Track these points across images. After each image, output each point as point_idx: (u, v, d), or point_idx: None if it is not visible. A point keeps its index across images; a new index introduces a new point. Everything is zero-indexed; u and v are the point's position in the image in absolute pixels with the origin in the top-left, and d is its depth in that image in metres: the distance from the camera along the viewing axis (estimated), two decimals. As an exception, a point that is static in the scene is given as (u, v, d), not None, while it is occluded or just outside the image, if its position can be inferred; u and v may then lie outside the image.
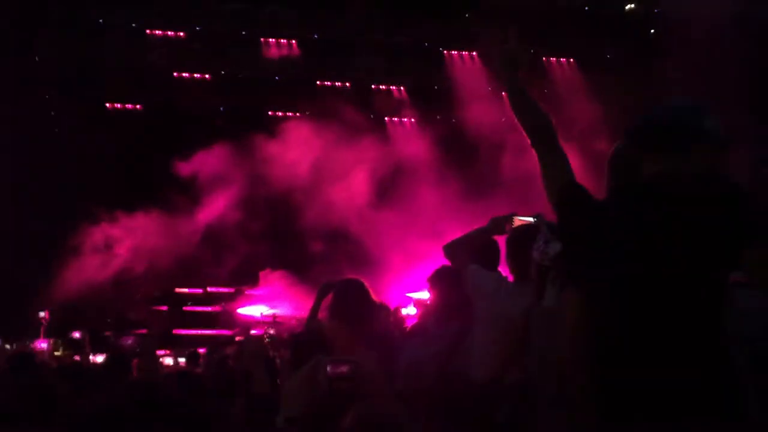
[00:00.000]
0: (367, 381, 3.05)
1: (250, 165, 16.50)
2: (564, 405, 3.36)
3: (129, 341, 13.66)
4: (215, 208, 16.87)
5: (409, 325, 7.12)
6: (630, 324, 2.32)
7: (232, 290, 18.62)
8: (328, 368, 3.01)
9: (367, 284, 5.74)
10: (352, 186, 16.43)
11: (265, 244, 17.35)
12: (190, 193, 16.85)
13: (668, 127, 2.61)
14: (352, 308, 5.41)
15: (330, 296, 5.73)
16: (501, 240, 5.00)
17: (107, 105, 18.19)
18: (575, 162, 3.13)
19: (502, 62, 3.26)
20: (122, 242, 16.52)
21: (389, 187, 16.40)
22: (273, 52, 18.56)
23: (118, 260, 16.38)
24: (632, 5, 18.85)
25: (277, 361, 9.05)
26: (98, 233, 16.39)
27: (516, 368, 4.33)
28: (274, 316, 17.13)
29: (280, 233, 17.37)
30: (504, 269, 4.94)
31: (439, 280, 5.15)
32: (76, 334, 13.48)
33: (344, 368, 3.02)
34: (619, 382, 2.32)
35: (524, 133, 3.19)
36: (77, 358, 12.31)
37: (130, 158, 16.61)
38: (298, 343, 4.61)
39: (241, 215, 16.90)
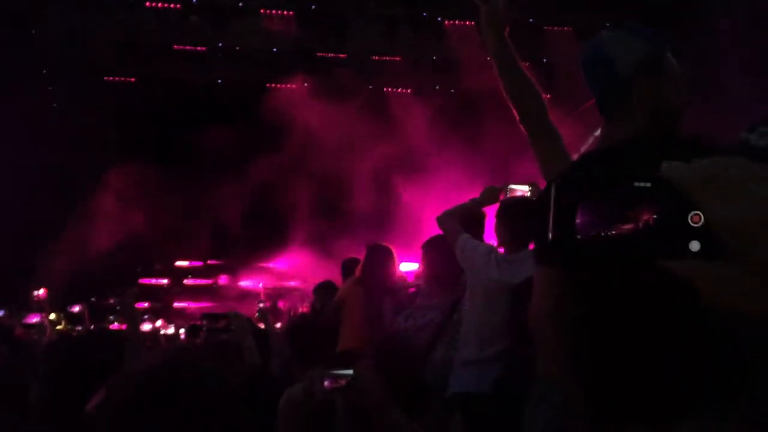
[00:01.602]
0: (366, 393, 3.05)
1: (253, 137, 16.51)
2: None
3: (111, 301, 13.85)
4: (223, 181, 16.90)
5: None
6: (635, 317, 2.23)
7: (231, 263, 18.73)
8: (326, 383, 3.01)
9: (391, 250, 5.92)
10: (361, 158, 16.46)
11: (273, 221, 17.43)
12: (196, 165, 16.86)
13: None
14: (373, 272, 5.59)
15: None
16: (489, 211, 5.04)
17: (105, 78, 18.14)
18: (572, 134, 3.11)
19: (486, 22, 3.22)
20: (123, 215, 16.52)
21: (393, 158, 16.40)
22: (271, 24, 18.47)
23: (119, 232, 16.39)
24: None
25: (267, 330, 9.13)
26: (98, 204, 16.40)
27: (507, 337, 4.36)
28: (273, 288, 17.25)
29: (291, 207, 17.44)
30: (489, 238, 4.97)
31: (431, 250, 5.18)
32: (76, 308, 13.57)
33: (342, 382, 3.02)
34: (616, 381, 2.26)
35: (511, 107, 3.15)
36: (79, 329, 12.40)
37: (129, 130, 16.58)
38: (297, 335, 4.63)
39: (250, 189, 16.93)
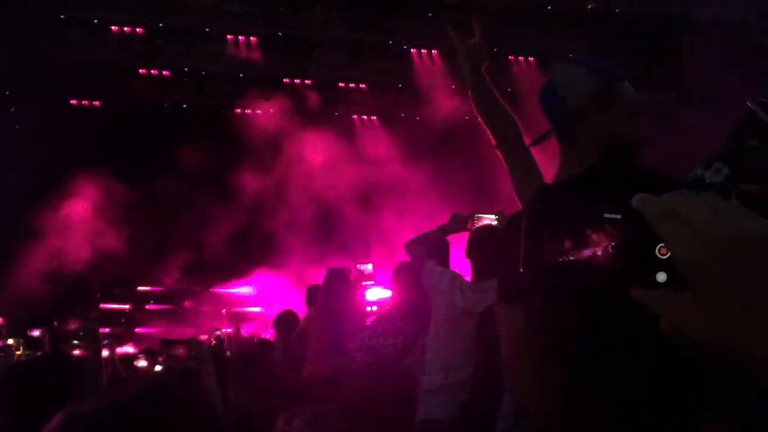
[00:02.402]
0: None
1: (218, 161, 16.47)
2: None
3: (73, 326, 13.59)
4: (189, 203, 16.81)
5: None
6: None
7: (195, 288, 18.57)
8: None
9: (349, 273, 5.91)
10: (321, 181, 16.48)
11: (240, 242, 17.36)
12: (159, 189, 16.76)
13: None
14: (333, 297, 5.58)
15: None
16: (453, 238, 5.08)
17: (70, 101, 18.01)
18: (538, 161, 3.15)
19: (465, 57, 3.27)
20: (85, 238, 16.34)
21: (357, 185, 16.45)
22: (236, 49, 18.48)
23: (80, 255, 16.21)
24: (593, 4, 19.03)
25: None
26: (59, 227, 16.21)
27: (472, 364, 4.39)
28: (236, 314, 17.12)
29: (255, 231, 17.38)
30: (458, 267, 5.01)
31: (398, 276, 5.21)
32: (36, 332, 13.30)
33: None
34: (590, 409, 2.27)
35: (488, 133, 3.20)
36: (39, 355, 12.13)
37: (93, 154, 16.44)
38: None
39: (213, 212, 16.86)
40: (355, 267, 6.35)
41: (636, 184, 2.31)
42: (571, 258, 1.01)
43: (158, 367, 10.36)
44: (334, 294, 5.95)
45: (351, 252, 15.27)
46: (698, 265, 0.92)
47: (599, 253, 0.99)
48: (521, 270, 1.11)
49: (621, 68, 2.55)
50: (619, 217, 1.01)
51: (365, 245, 16.20)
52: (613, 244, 1.01)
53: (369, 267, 6.28)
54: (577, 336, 2.26)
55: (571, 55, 2.79)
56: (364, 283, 6.06)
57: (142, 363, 11.06)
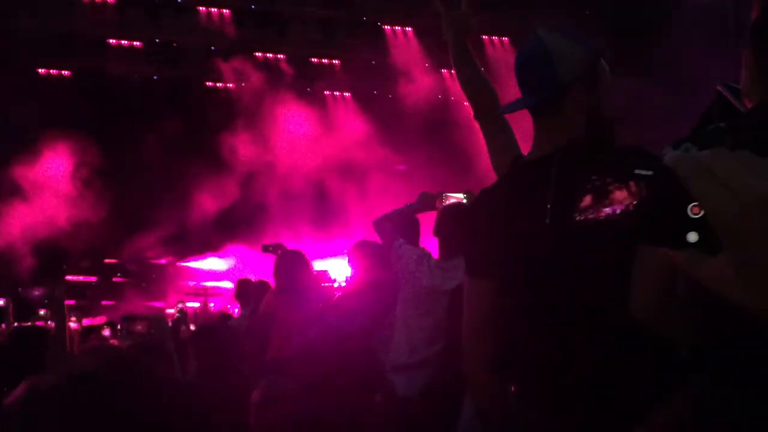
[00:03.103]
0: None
1: (188, 135, 16.34)
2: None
3: (37, 292, 13.42)
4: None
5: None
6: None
7: (161, 262, 18.47)
8: None
9: (305, 255, 5.86)
10: (299, 159, 16.42)
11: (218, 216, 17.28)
12: (130, 160, 16.62)
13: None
14: (293, 279, 5.53)
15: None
16: (423, 217, 5.07)
17: (38, 70, 17.76)
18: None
19: (450, 27, 3.23)
20: (53, 208, 16.16)
21: (328, 161, 16.40)
22: (208, 22, 18.31)
23: (48, 225, 16.04)
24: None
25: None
26: (28, 196, 16.03)
27: (439, 344, 4.38)
28: (204, 288, 17.06)
29: (227, 206, 17.29)
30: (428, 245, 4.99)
31: (359, 255, 5.19)
32: (0, 301, 12.94)
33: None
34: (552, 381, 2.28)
35: (469, 104, 3.17)
36: (3, 326, 11.93)
37: (62, 123, 16.24)
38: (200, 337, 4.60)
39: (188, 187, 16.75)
40: (324, 233, 6.37)
41: (625, 157, 2.30)
42: (602, 213, 0.97)
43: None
44: (295, 275, 5.90)
45: (318, 227, 15.22)
46: (736, 225, 0.89)
47: (628, 210, 0.95)
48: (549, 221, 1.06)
49: (600, 43, 2.53)
50: (650, 173, 0.98)
51: (331, 223, 16.16)
52: (643, 201, 0.96)
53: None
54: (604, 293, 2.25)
55: (555, 25, 2.77)
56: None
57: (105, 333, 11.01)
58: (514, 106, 2.54)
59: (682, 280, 1.61)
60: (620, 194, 0.96)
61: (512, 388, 2.35)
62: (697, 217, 0.93)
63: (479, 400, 2.50)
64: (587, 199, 0.99)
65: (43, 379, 1.80)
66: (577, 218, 0.98)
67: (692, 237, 0.93)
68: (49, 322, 9.34)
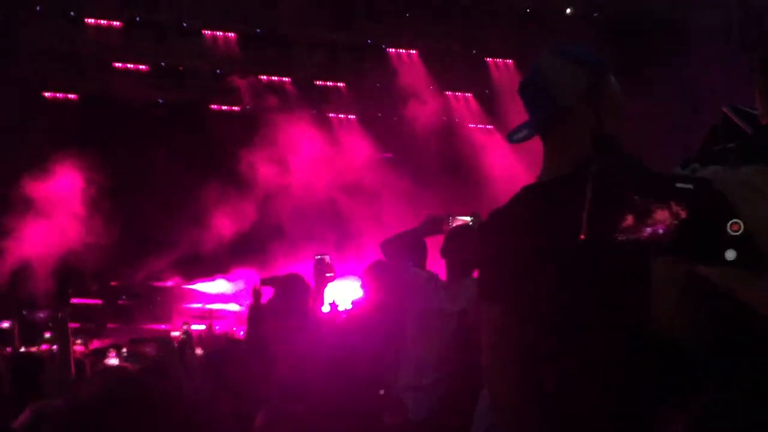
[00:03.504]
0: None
1: (194, 158, 16.38)
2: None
3: (42, 315, 13.38)
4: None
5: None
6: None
7: (167, 284, 18.45)
8: None
9: (305, 279, 5.83)
10: (305, 182, 16.44)
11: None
12: (135, 183, 16.65)
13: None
14: (294, 303, 5.49)
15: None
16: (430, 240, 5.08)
17: (44, 93, 17.83)
18: (513, 163, 3.13)
19: None
20: (59, 231, 16.17)
21: (334, 184, 16.41)
22: (213, 46, 18.40)
23: (54, 248, 16.05)
24: (572, 8, 19.13)
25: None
26: (33, 219, 16.04)
27: (448, 366, 4.38)
28: (209, 311, 17.05)
29: (234, 229, 17.28)
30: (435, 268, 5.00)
31: (370, 276, 5.19)
32: (5, 324, 12.93)
33: None
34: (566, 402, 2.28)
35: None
36: (9, 350, 11.92)
37: (68, 145, 16.29)
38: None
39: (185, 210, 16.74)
40: (314, 258, 6.21)
41: (635, 180, 2.30)
42: (639, 228, 0.94)
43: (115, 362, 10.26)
44: (296, 299, 5.86)
45: (326, 250, 15.20)
46: None
47: (666, 225, 0.91)
48: (582, 237, 1.04)
49: (606, 60, 2.50)
50: (690, 187, 0.95)
51: (341, 245, 16.15)
52: (681, 216, 0.94)
53: (327, 257, 6.09)
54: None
55: (558, 46, 2.74)
56: (326, 274, 5.93)
57: (113, 360, 10.97)
58: (520, 133, 2.54)
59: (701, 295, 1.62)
60: (662, 214, 0.93)
61: (540, 412, 2.34)
62: (736, 234, 0.91)
63: (507, 424, 2.47)
64: (629, 219, 0.96)
65: (49, 404, 1.80)
66: (618, 237, 0.96)
67: (730, 255, 0.92)
68: (54, 346, 9.34)
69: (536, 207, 2.40)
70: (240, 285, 17.86)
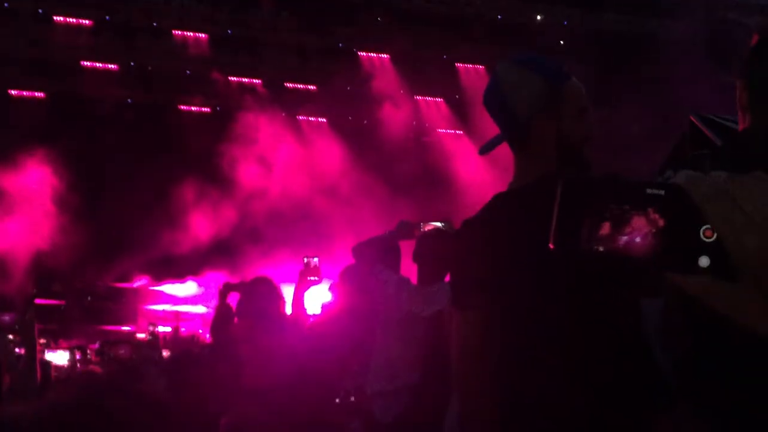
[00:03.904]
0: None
1: (162, 158, 16.27)
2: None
3: (6, 317, 13.20)
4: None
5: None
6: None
7: (133, 286, 18.31)
8: None
9: (274, 281, 5.78)
10: (275, 183, 16.41)
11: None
12: (102, 182, 16.51)
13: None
14: (261, 306, 5.44)
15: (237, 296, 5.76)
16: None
17: (10, 92, 17.64)
18: (483, 168, 3.15)
19: None
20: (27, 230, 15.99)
21: (307, 186, 16.39)
22: (183, 46, 18.32)
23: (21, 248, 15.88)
24: (542, 16, 19.28)
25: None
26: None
27: (419, 370, 4.39)
28: (175, 313, 16.94)
29: (202, 231, 17.17)
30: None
31: (344, 280, 5.19)
32: None
33: None
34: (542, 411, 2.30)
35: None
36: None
37: (35, 146, 16.12)
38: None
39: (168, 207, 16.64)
40: (302, 260, 6.13)
41: (607, 187, 2.31)
42: (608, 237, 0.92)
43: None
44: (264, 302, 5.81)
45: (296, 253, 15.15)
46: (757, 254, 0.85)
47: (637, 232, 0.90)
48: (551, 245, 1.03)
49: (564, 66, 2.48)
50: (662, 193, 0.94)
51: (317, 248, 16.12)
52: (653, 222, 0.94)
53: (315, 260, 6.04)
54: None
55: (514, 55, 2.71)
56: (309, 278, 5.85)
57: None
58: (490, 145, 2.55)
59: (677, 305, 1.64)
60: (638, 221, 0.92)
61: (513, 418, 2.35)
62: (709, 240, 0.90)
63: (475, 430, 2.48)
64: (604, 227, 0.94)
65: (17, 411, 1.77)
66: (592, 246, 0.95)
67: (703, 261, 0.90)
68: (17, 349, 9.22)
69: (508, 215, 2.42)
70: (201, 289, 17.77)
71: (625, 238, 0.93)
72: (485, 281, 2.38)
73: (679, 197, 0.92)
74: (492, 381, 2.37)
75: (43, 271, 16.87)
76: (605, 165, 2.82)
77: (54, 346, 13.40)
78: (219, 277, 16.41)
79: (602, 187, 1.01)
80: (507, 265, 2.34)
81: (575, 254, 1.00)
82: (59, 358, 11.61)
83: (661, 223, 0.92)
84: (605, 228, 0.97)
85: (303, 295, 5.76)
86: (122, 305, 18.65)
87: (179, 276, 18.03)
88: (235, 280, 6.78)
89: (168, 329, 15.49)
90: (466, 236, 2.56)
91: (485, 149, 2.59)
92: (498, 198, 2.53)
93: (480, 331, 2.38)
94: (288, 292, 5.91)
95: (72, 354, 11.37)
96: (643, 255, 0.93)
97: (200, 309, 17.44)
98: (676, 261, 0.92)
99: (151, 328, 13.72)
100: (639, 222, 0.91)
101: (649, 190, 0.94)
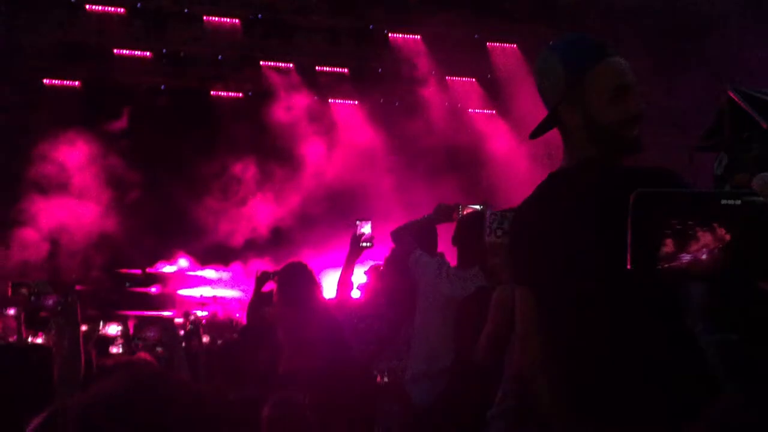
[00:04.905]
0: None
1: (196, 145, 16.37)
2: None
3: (50, 301, 13.30)
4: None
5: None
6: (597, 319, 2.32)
7: (172, 272, 18.45)
8: None
9: (309, 266, 5.81)
10: (308, 169, 16.45)
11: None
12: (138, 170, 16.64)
13: None
14: (299, 291, 5.47)
15: (274, 283, 5.79)
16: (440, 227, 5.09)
17: (44, 81, 17.79)
18: (515, 148, 3.14)
19: None
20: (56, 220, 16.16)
21: (341, 170, 16.39)
22: (215, 31, 18.38)
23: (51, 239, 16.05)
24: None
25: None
26: (33, 210, 16.03)
27: (458, 353, 4.41)
28: (213, 298, 17.06)
29: (234, 217, 17.25)
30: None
31: (386, 265, 5.22)
32: (11, 311, 12.71)
33: None
34: (589, 380, 2.32)
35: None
36: (13, 339, 11.80)
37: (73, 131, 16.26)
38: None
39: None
40: (355, 223, 5.93)
41: (629, 177, 2.33)
42: (686, 249, 0.92)
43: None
44: (301, 287, 5.83)
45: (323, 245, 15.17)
46: None
47: (714, 243, 0.90)
48: (630, 265, 1.02)
49: (600, 46, 2.44)
50: (738, 203, 0.94)
51: (342, 235, 16.13)
52: (730, 233, 0.93)
53: (368, 224, 5.77)
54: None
55: (555, 39, 2.67)
56: (362, 244, 5.67)
57: (115, 349, 10.97)
58: (539, 129, 2.58)
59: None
60: (705, 237, 0.91)
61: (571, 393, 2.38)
62: None
63: (537, 405, 2.51)
64: (683, 243, 0.93)
65: (68, 404, 1.77)
66: (673, 265, 0.94)
67: None
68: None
69: (562, 195, 2.46)
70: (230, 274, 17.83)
71: (704, 251, 0.92)
72: (545, 258, 2.43)
73: (756, 205, 0.91)
74: (547, 349, 2.42)
75: (85, 257, 17.06)
76: (652, 143, 2.79)
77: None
78: (263, 264, 16.51)
79: (676, 201, 1.00)
80: (565, 243, 2.38)
81: (656, 275, 0.99)
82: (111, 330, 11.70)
83: (738, 232, 0.91)
84: (684, 244, 0.95)
85: (353, 270, 5.72)
86: (160, 290, 18.82)
87: (224, 262, 18.12)
88: (277, 267, 6.76)
89: (205, 313, 15.62)
90: (524, 215, 2.62)
91: (535, 134, 2.62)
92: (550, 178, 2.57)
93: (535, 304, 2.44)
94: (335, 277, 5.92)
95: (125, 326, 11.34)
96: (724, 267, 0.92)
97: (236, 293, 17.55)
98: (759, 269, 0.91)
99: (192, 316, 13.81)
100: (717, 234, 0.89)
101: (724, 201, 0.93)
